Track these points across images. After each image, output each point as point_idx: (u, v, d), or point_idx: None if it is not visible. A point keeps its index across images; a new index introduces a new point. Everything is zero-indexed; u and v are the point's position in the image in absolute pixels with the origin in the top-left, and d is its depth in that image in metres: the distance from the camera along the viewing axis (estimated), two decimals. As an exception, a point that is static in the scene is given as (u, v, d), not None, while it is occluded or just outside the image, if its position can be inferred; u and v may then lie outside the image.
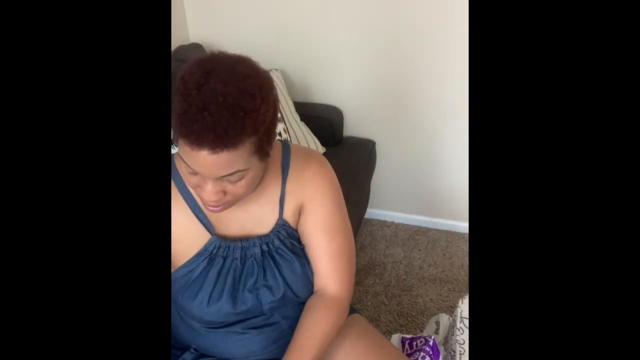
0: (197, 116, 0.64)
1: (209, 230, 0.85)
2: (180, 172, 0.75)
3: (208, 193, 0.73)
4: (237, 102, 0.66)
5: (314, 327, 0.85)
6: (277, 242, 0.87)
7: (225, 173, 0.70)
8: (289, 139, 1.72)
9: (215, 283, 0.84)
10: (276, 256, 0.87)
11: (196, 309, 0.85)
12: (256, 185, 0.79)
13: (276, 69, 1.89)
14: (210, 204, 0.76)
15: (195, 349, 0.94)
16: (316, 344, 0.83)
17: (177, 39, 1.91)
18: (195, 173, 0.72)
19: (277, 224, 0.87)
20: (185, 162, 0.71)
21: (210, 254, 0.84)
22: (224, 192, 0.74)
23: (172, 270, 0.86)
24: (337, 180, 0.91)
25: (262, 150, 0.73)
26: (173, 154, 0.87)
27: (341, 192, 0.92)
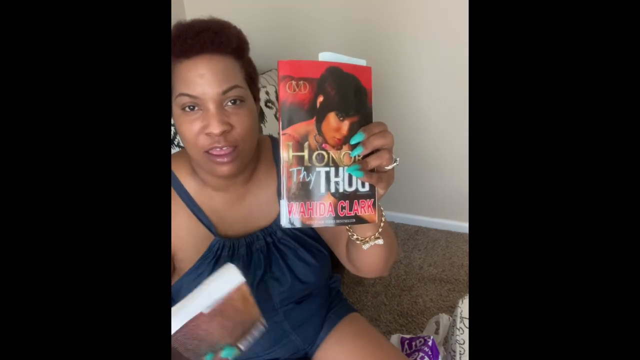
0: (189, 31, 0.74)
1: (211, 232, 0.84)
2: (183, 128, 0.74)
3: (215, 123, 0.71)
4: (221, 22, 0.77)
5: None
6: (279, 233, 0.87)
7: (225, 86, 0.72)
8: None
9: None
10: (280, 246, 0.87)
11: None
12: (256, 137, 0.80)
13: (276, 69, 1.89)
14: (218, 143, 0.73)
15: None
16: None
17: (177, 39, 1.90)
18: (195, 105, 0.72)
19: (278, 216, 0.87)
20: (186, 95, 0.72)
21: (215, 255, 0.83)
22: (230, 125, 0.73)
23: (179, 277, 0.84)
24: None
25: (253, 84, 0.78)
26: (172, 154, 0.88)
27: None
